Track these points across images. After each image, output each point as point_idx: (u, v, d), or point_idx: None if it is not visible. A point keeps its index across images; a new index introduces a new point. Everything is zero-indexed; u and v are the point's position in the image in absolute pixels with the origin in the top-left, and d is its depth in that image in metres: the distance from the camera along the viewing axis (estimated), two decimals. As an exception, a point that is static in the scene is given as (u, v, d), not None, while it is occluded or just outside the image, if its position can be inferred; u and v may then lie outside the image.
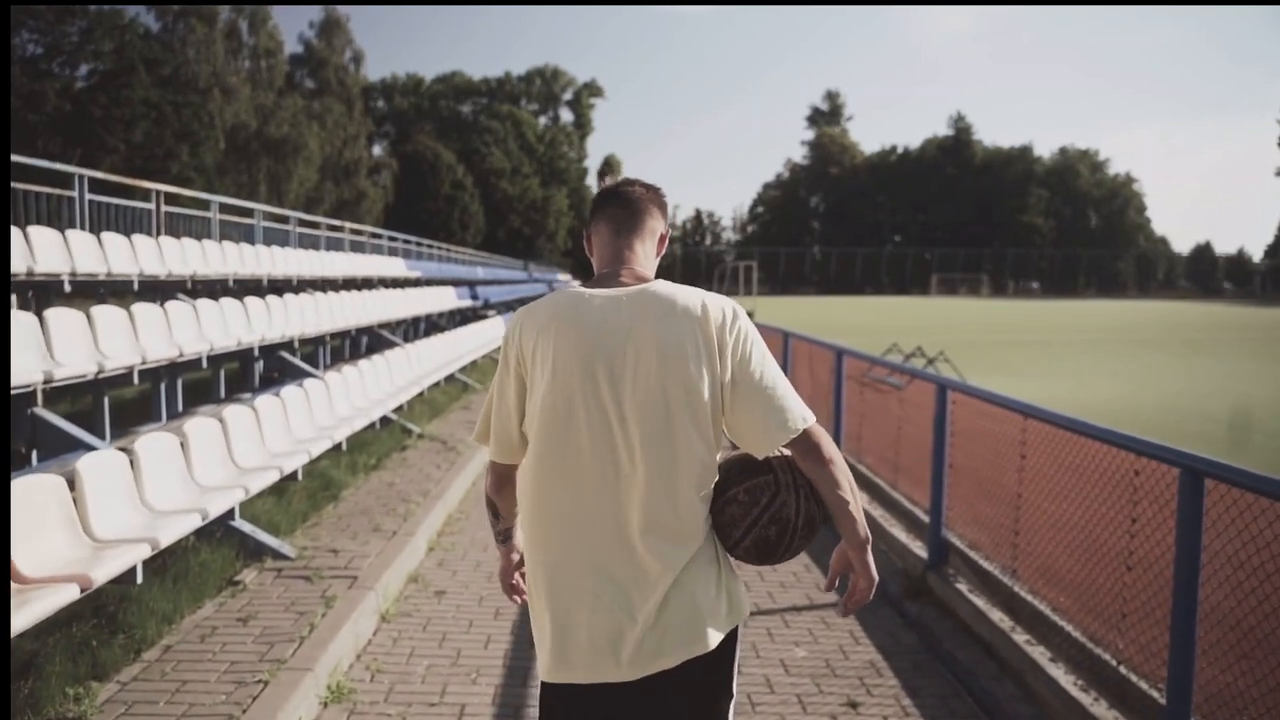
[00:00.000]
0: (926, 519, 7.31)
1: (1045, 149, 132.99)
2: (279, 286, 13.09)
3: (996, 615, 5.61)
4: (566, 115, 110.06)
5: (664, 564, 2.13)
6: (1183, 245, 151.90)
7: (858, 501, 2.25)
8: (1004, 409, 5.64)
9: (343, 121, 60.46)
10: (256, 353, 9.41)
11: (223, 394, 9.49)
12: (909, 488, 7.96)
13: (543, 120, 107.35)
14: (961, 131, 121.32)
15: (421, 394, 12.28)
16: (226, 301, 9.39)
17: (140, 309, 7.56)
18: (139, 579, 4.60)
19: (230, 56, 50.76)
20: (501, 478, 2.41)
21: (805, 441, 2.20)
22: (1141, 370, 23.73)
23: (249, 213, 15.80)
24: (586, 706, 2.19)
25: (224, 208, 14.10)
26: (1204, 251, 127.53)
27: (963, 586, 6.16)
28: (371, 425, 9.50)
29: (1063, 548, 5.10)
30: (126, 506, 4.78)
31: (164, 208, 11.07)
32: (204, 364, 8.13)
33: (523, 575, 2.52)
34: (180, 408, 8.50)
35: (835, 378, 9.31)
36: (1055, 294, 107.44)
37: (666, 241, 2.47)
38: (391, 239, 23.99)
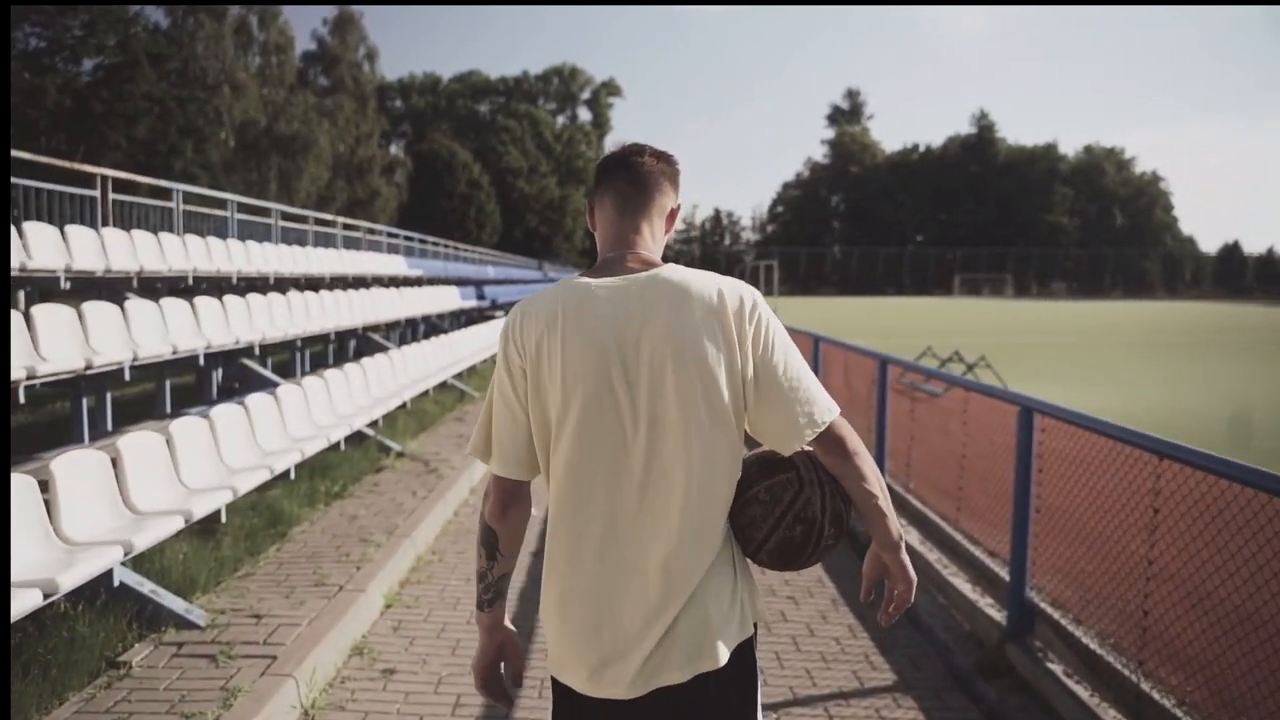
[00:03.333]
0: (997, 568, 5.98)
1: (1070, 147, 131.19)
2: (258, 286, 11.84)
3: (1111, 716, 4.26)
4: (584, 114, 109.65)
5: (683, 574, 2.00)
6: (1210, 245, 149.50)
7: (887, 497, 2.11)
8: (1127, 445, 4.25)
9: (355, 119, 59.45)
10: (202, 360, 8.10)
11: (168, 409, 8.21)
12: (971, 524, 6.60)
13: (560, 119, 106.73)
14: (985, 129, 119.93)
15: (405, 405, 10.96)
16: (170, 301, 8.09)
17: (42, 310, 6.26)
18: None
19: (240, 52, 49.82)
20: (509, 497, 2.15)
21: (829, 435, 2.06)
22: (1193, 376, 22.24)
23: (256, 211, 14.63)
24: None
25: (196, 199, 12.82)
26: (1232, 251, 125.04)
27: (1056, 666, 4.80)
28: (335, 446, 8.18)
29: (1208, 634, 3.74)
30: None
31: (113, 195, 9.78)
32: (126, 375, 6.82)
33: (507, 668, 2.25)
34: (110, 426, 7.21)
35: (879, 390, 7.94)
36: (1081, 294, 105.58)
37: (678, 217, 2.27)
38: (391, 235, 22.67)
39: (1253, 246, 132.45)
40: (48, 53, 38.21)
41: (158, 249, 9.49)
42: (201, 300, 8.60)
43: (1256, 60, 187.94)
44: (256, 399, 6.88)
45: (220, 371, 9.18)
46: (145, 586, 4.84)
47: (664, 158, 2.22)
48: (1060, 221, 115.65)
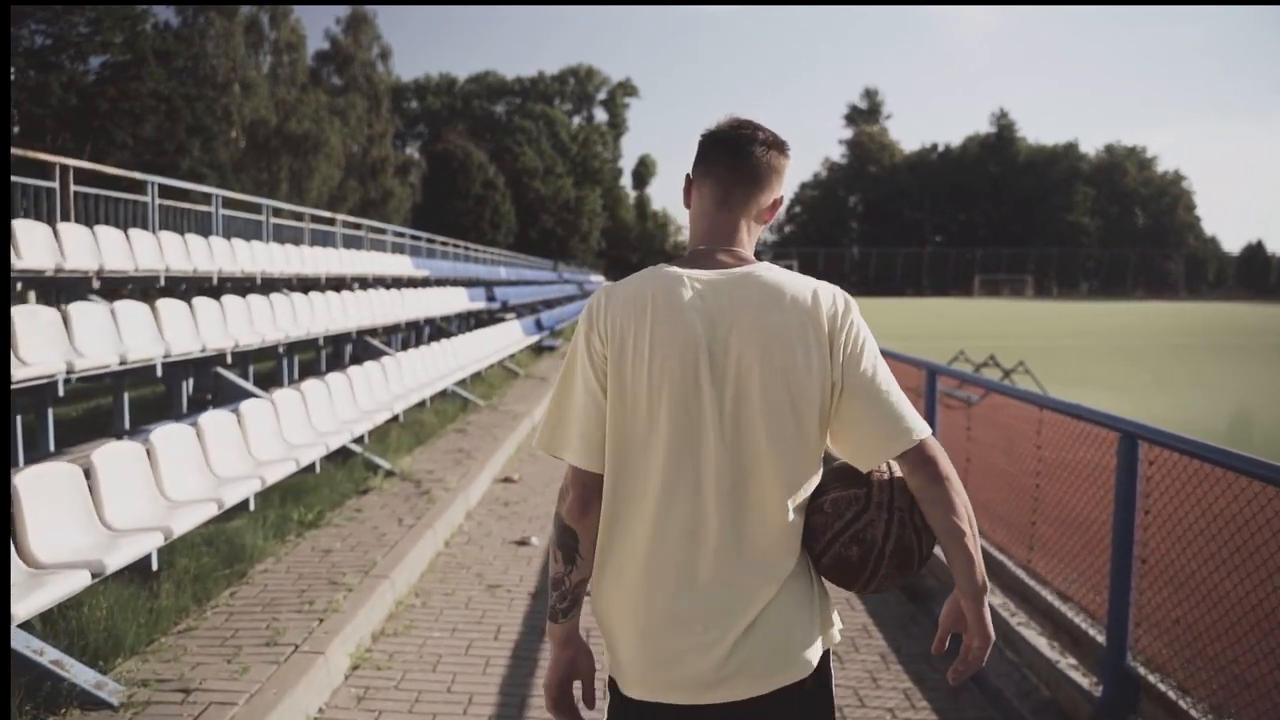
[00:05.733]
0: (1077, 617, 5.03)
1: (1091, 146, 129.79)
2: (245, 287, 10.98)
3: (1262, 837, 3.31)
4: (600, 115, 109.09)
5: (762, 579, 1.90)
6: (1233, 245, 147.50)
7: (976, 535, 1.90)
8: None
9: (368, 118, 58.74)
10: (160, 371, 7.18)
11: (127, 425, 7.32)
12: (1047, 567, 5.64)
13: (576, 120, 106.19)
14: (1004, 129, 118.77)
15: (397, 418, 10.04)
16: (125, 304, 7.20)
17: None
18: None
19: (251, 50, 49.24)
20: (592, 492, 1.98)
21: (918, 455, 1.89)
22: (1238, 382, 21.17)
23: (246, 207, 13.77)
24: None
25: (180, 194, 11.94)
26: (1256, 251, 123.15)
27: (1172, 758, 3.85)
28: (310, 468, 7.27)
29: None
30: None
31: (74, 188, 8.88)
32: (59, 389, 5.92)
33: (582, 685, 2.09)
34: (51, 447, 6.32)
35: (926, 404, 6.98)
36: (1102, 295, 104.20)
37: (779, 207, 2.10)
38: (398, 234, 21.75)
39: (1276, 246, 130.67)
40: (53, 50, 37.49)
41: (125, 246, 8.60)
42: (165, 302, 7.71)
43: (1271, 61, 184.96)
44: (213, 417, 5.98)
45: (191, 382, 8.28)
46: (47, 656, 3.91)
47: (777, 147, 2.04)
48: (1081, 221, 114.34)
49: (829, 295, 1.95)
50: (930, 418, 6.95)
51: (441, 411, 11.93)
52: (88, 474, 4.53)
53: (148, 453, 5.08)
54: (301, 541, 6.45)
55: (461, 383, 13.60)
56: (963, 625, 1.94)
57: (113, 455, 4.76)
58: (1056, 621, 5.22)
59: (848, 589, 1.98)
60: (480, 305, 21.50)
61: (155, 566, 4.86)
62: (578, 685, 2.09)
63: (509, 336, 18.94)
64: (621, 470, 1.94)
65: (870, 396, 1.91)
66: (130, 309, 7.19)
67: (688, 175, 2.11)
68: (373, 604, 5.34)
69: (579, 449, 1.97)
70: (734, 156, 2.01)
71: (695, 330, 1.89)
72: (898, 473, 1.96)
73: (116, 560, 4.11)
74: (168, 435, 5.35)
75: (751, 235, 2.06)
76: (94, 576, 3.96)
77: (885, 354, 6.84)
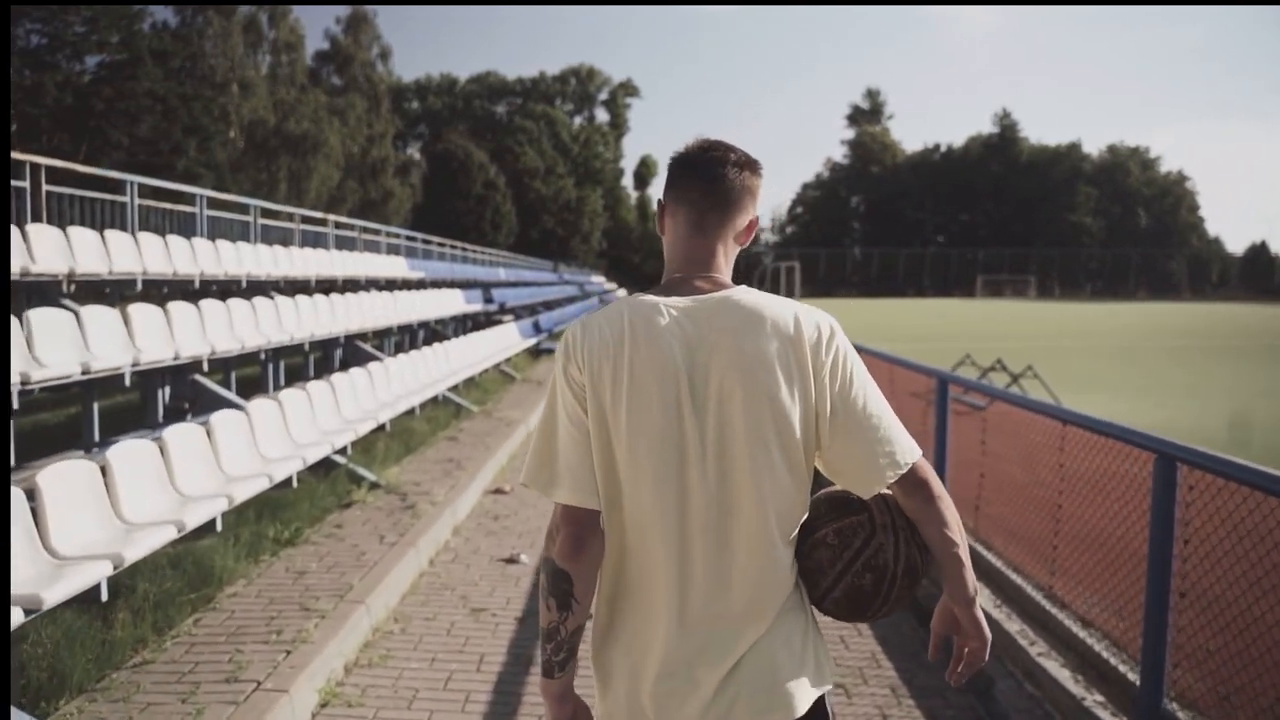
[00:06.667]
0: (1103, 650, 4.67)
1: (1094, 146, 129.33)
2: (230, 290, 10.62)
3: None
4: (602, 115, 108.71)
5: (749, 617, 1.86)
6: (1236, 245, 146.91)
7: (966, 545, 1.92)
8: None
9: (367, 118, 58.36)
10: (128, 380, 6.78)
11: (96, 436, 6.95)
12: (1066, 587, 5.26)
13: (577, 120, 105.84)
14: (1007, 129, 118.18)
15: (384, 427, 9.67)
16: (91, 309, 6.84)
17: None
18: None
19: (249, 50, 48.88)
20: (584, 530, 1.88)
21: (912, 478, 1.89)
22: (1248, 384, 20.79)
23: (234, 208, 13.44)
24: None
25: (157, 194, 11.59)
26: (1259, 252, 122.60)
27: (1219, 814, 3.49)
28: (287, 482, 6.89)
29: None
30: None
31: (47, 187, 8.51)
32: (15, 401, 5.55)
33: None
34: (13, 461, 5.96)
35: (938, 415, 6.60)
36: (1105, 295, 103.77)
37: (756, 228, 2.05)
38: (392, 235, 21.37)
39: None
40: (48, 50, 37.21)
41: (100, 248, 8.24)
42: (137, 307, 7.34)
43: (1271, 61, 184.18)
44: (179, 430, 5.61)
45: (167, 391, 7.91)
46: (-25, 698, 3.55)
47: (749, 167, 2.00)
48: (1084, 222, 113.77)
49: (811, 321, 1.90)
50: (942, 428, 6.59)
51: (433, 418, 11.57)
52: (31, 495, 4.16)
53: (103, 470, 4.71)
54: (276, 561, 6.08)
55: (455, 388, 13.22)
56: (956, 629, 1.97)
57: (60, 475, 4.39)
58: (1081, 653, 4.85)
59: (857, 620, 1.97)
60: (477, 307, 21.13)
61: (105, 597, 4.49)
62: None
63: (506, 339, 18.57)
64: (613, 507, 1.89)
65: (864, 424, 1.89)
66: (98, 314, 6.83)
67: (659, 201, 2.06)
68: (346, 633, 4.97)
69: (567, 485, 1.89)
70: (706, 180, 1.96)
71: (674, 357, 1.85)
72: (886, 491, 1.93)
73: (56, 594, 3.73)
74: (127, 451, 4.98)
75: (729, 259, 2.02)
76: (28, 613, 3.59)
77: (895, 363, 6.41)
